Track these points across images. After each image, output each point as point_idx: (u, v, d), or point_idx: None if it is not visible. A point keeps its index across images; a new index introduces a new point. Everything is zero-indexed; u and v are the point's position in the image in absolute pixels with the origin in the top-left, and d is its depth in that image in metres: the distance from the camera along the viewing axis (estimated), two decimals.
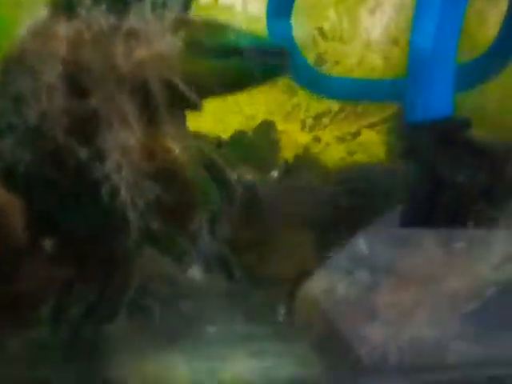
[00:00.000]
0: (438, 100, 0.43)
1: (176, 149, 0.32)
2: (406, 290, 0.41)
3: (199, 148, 0.33)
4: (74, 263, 0.36)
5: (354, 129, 0.77)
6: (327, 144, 0.75)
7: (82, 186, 0.32)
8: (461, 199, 0.41)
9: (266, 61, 0.35)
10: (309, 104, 0.76)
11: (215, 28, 0.35)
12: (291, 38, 0.62)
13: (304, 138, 0.76)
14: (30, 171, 0.31)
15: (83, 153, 0.31)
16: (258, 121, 0.71)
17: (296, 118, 0.76)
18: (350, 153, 0.76)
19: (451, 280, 0.41)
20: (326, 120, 0.76)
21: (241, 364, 0.41)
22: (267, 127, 0.71)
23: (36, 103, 0.31)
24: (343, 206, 0.42)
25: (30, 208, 0.32)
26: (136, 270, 0.36)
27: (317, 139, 0.75)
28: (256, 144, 0.62)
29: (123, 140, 0.31)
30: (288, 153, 0.72)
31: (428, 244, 0.40)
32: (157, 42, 0.32)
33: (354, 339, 0.40)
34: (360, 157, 0.77)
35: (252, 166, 0.48)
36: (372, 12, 0.78)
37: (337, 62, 0.76)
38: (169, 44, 0.32)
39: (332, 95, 0.67)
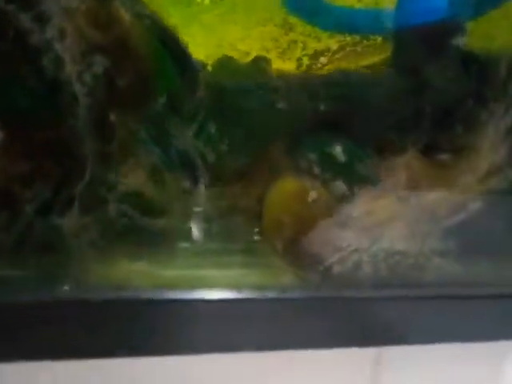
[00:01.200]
0: (430, 2, 0.40)
1: (126, 16, 0.30)
2: (382, 200, 0.38)
3: (153, 18, 0.31)
4: (24, 155, 0.34)
5: (352, 69, 0.74)
6: None
7: (24, 56, 0.30)
8: (448, 105, 0.38)
9: None
10: (306, 41, 0.73)
11: None
12: None
13: None
14: None
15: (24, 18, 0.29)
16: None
17: (292, 55, 0.73)
18: None
19: (432, 192, 0.38)
20: (323, 59, 0.73)
21: (209, 272, 0.40)
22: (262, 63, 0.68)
23: None
24: (325, 111, 0.40)
25: None
26: (89, 160, 0.34)
27: None
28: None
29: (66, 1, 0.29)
30: None
31: (410, 154, 0.37)
32: None
33: (324, 246, 0.38)
34: None
35: None
36: None
37: None
38: None
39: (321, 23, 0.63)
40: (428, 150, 0.38)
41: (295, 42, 0.71)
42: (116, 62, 0.30)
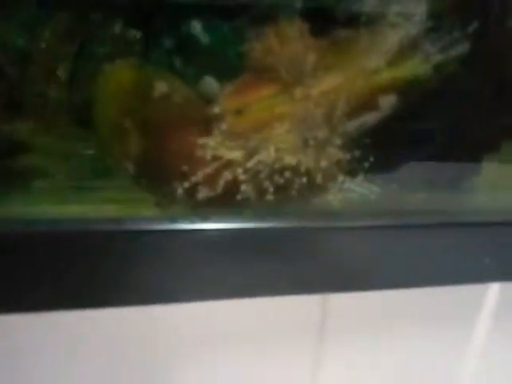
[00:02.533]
0: None
1: None
2: (259, 93, 0.28)
3: None
4: None
5: None
6: None
7: None
8: None
9: None
10: None
11: None
12: None
13: None
14: None
15: None
16: None
17: None
18: None
19: (327, 79, 0.28)
20: None
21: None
22: None
23: None
24: None
25: None
26: None
27: None
28: None
29: None
30: None
31: (287, 22, 0.27)
32: None
33: (184, 159, 0.27)
34: None
35: None
36: None
37: None
38: None
39: None
40: (315, 20, 0.28)
41: None
42: None
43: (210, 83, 0.29)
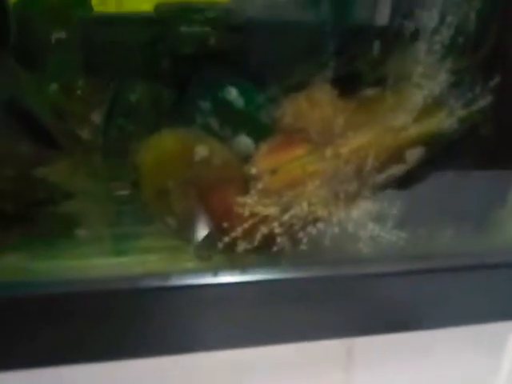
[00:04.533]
0: None
1: None
2: (292, 153, 0.29)
3: None
4: None
5: None
6: None
7: None
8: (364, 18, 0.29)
9: None
10: None
11: None
12: None
13: None
14: None
15: None
16: None
17: None
18: None
19: (357, 137, 0.30)
20: None
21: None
22: None
23: None
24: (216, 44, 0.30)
25: None
26: None
27: None
28: None
29: None
30: None
31: (319, 87, 0.28)
32: None
33: (224, 216, 0.29)
34: None
35: None
36: None
37: None
38: None
39: None
40: (343, 84, 0.29)
41: None
42: None
43: (245, 142, 0.31)
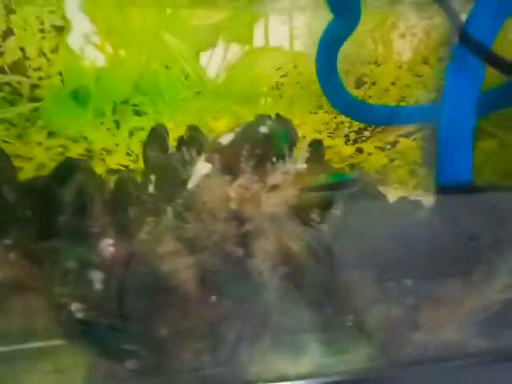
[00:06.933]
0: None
1: None
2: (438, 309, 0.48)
3: None
4: None
5: (392, 138, 0.89)
6: (369, 154, 0.87)
7: None
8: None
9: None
10: (351, 121, 0.88)
11: None
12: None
13: (348, 150, 0.88)
14: None
15: None
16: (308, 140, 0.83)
17: (340, 133, 0.89)
18: (391, 160, 0.88)
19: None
20: (367, 133, 0.88)
21: None
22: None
23: None
24: None
25: None
26: None
27: (359, 150, 0.87)
28: None
29: None
30: (334, 164, 0.84)
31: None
32: None
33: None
34: (398, 163, 0.88)
35: None
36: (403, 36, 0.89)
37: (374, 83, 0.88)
38: None
39: (366, 120, 0.75)
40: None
41: (343, 122, 0.87)
42: None
43: None
